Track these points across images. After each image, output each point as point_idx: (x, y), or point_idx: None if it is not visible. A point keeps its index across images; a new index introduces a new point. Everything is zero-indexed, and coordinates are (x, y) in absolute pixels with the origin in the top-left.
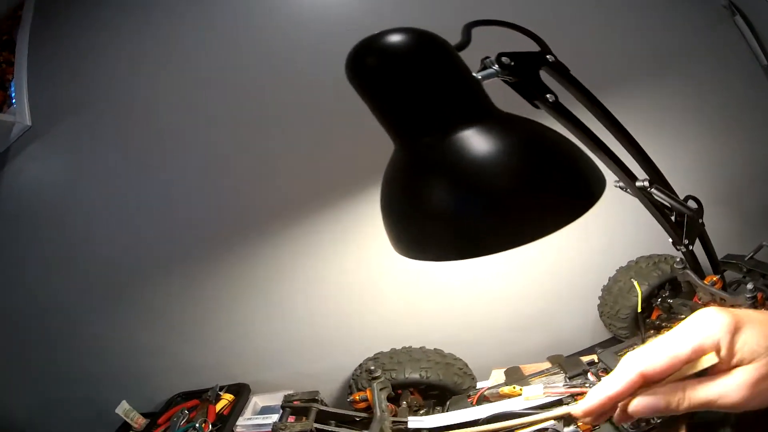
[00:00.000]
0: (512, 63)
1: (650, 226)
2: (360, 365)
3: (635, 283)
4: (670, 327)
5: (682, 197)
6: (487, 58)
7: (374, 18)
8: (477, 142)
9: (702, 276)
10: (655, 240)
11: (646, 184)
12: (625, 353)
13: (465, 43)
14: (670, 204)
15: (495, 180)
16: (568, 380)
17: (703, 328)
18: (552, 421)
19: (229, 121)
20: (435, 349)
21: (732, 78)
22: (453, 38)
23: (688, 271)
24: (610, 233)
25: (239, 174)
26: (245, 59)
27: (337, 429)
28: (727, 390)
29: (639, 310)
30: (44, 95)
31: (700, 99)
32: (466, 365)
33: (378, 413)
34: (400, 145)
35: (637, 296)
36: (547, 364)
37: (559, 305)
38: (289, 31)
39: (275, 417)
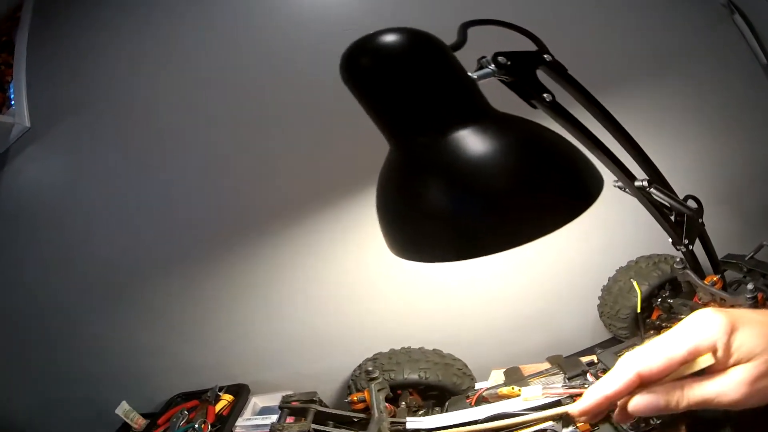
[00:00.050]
0: (509, 62)
1: (650, 225)
2: (359, 366)
3: (635, 283)
4: (670, 327)
5: (681, 197)
6: (484, 57)
7: (374, 18)
8: (473, 142)
9: (702, 276)
10: (655, 240)
11: (645, 183)
12: (624, 354)
13: (461, 42)
14: (669, 204)
15: (491, 180)
16: (567, 381)
17: (699, 329)
18: (551, 422)
19: (229, 121)
20: (434, 349)
21: (732, 77)
22: (453, 38)
23: (688, 271)
24: (610, 233)
25: (239, 174)
26: (245, 59)
27: (334, 430)
28: (725, 388)
29: (638, 310)
30: (43, 96)
31: (699, 98)
32: (466, 366)
33: (376, 414)
34: (396, 146)
35: (637, 296)
36: (547, 365)
37: (559, 305)
38: (289, 30)
39: (274, 417)
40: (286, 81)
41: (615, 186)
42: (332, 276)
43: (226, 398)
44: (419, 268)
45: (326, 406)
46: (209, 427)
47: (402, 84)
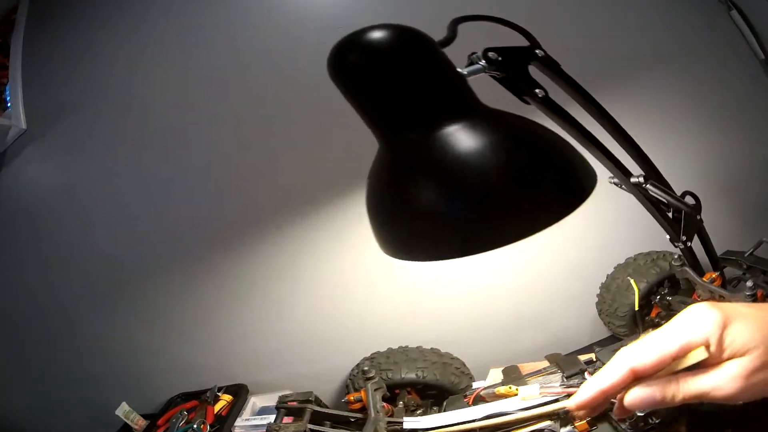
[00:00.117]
0: (499, 58)
1: (648, 222)
2: (356, 365)
3: (632, 281)
4: None
5: (679, 193)
6: (474, 53)
7: (373, 17)
8: (462, 137)
9: (701, 273)
10: (654, 236)
11: (641, 180)
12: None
13: (450, 38)
14: (666, 200)
15: (480, 176)
16: (565, 380)
17: (692, 324)
18: (548, 421)
19: (229, 119)
20: (432, 348)
21: (729, 72)
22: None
23: (687, 269)
24: (608, 230)
25: (238, 173)
26: (244, 57)
27: (331, 430)
28: (719, 382)
29: (636, 308)
30: (40, 98)
31: (696, 94)
32: (464, 364)
33: (372, 414)
34: (385, 143)
35: (635, 294)
36: (545, 363)
37: (557, 303)
38: (289, 28)
39: (273, 417)
40: (285, 80)
41: (611, 182)
42: (331, 276)
43: (225, 398)
44: (417, 267)
45: (325, 406)
46: (208, 427)
47: (390, 80)
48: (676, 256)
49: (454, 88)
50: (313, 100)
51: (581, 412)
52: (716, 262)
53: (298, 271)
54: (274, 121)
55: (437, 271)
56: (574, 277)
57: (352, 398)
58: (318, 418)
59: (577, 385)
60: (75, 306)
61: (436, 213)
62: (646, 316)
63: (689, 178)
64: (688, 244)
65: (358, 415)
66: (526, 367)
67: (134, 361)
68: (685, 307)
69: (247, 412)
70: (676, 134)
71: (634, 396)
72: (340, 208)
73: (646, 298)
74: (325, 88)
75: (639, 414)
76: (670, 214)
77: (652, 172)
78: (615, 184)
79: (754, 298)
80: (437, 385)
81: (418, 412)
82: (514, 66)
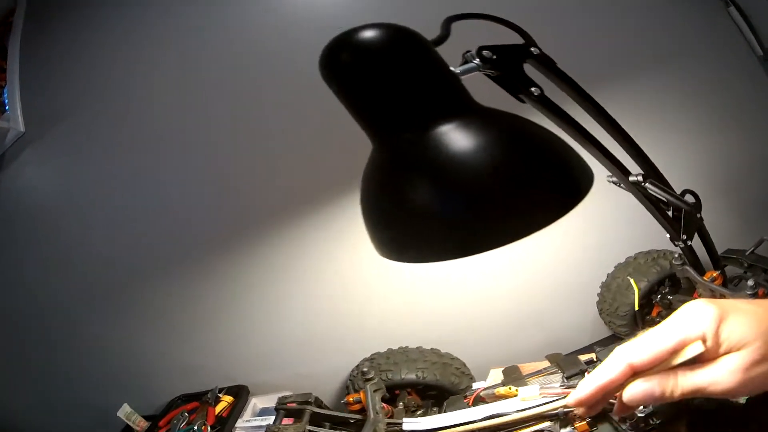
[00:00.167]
0: (494, 56)
1: (648, 221)
2: (356, 366)
3: (632, 281)
4: None
5: (679, 191)
6: (468, 52)
7: (373, 17)
8: (457, 137)
9: (702, 272)
10: (654, 235)
11: (640, 178)
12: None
13: (444, 37)
14: (666, 199)
15: (475, 175)
16: (565, 380)
17: (688, 320)
18: (548, 422)
19: (227, 121)
20: (432, 348)
21: (729, 70)
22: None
23: (687, 267)
24: (608, 229)
25: (238, 174)
26: (242, 58)
27: (330, 431)
28: (717, 376)
29: (636, 308)
30: (38, 100)
31: (696, 91)
32: (464, 365)
33: (371, 415)
34: (378, 143)
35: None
36: (546, 363)
37: (558, 302)
38: (287, 29)
39: (273, 419)
40: (283, 81)
41: (609, 181)
42: (331, 276)
43: (226, 399)
44: (417, 267)
45: (326, 407)
46: (209, 429)
47: (382, 80)
48: (676, 255)
49: (447, 87)
50: (311, 100)
51: (581, 410)
52: (717, 261)
53: (298, 272)
54: (273, 122)
55: (437, 272)
56: (575, 277)
57: (351, 399)
58: (317, 420)
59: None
60: (74, 307)
61: (430, 213)
62: (647, 316)
63: (689, 177)
64: (689, 242)
65: (358, 417)
66: (526, 368)
67: (135, 362)
68: None
69: (247, 413)
70: (676, 133)
71: (633, 391)
72: (340, 208)
73: (647, 297)
74: (323, 88)
75: (639, 415)
76: (669, 213)
77: (651, 171)
78: (614, 183)
79: (755, 297)
80: (437, 385)
81: (419, 412)
82: (509, 64)
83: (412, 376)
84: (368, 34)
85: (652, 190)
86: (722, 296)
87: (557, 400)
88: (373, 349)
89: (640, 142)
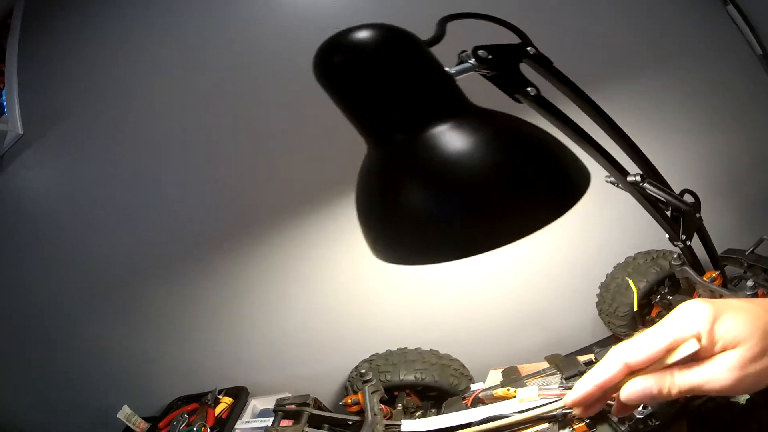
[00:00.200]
0: (490, 56)
1: (648, 221)
2: (355, 367)
3: (630, 282)
4: None
5: (678, 191)
6: (464, 52)
7: (373, 17)
8: (452, 138)
9: (701, 272)
10: (653, 235)
11: (638, 178)
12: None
13: (438, 37)
14: (664, 199)
15: (471, 176)
16: (564, 381)
17: (683, 320)
18: (547, 424)
19: (227, 121)
20: (431, 349)
21: (728, 69)
22: (449, 37)
23: (687, 268)
24: (607, 229)
25: (238, 175)
26: (243, 58)
27: None
28: (713, 374)
29: (635, 308)
30: (36, 102)
31: (696, 91)
32: (463, 366)
33: (369, 417)
34: (372, 145)
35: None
36: (545, 364)
37: (557, 303)
38: (287, 29)
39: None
40: (283, 81)
41: (607, 181)
42: (330, 277)
43: (226, 401)
44: (416, 268)
45: (326, 408)
46: (208, 430)
47: (375, 81)
48: (675, 255)
49: (441, 88)
50: (311, 100)
51: (578, 411)
52: (717, 261)
53: (298, 272)
54: (273, 122)
55: (437, 272)
56: (574, 277)
57: (349, 401)
58: (316, 421)
59: None
60: (74, 307)
61: (425, 216)
62: (646, 316)
63: (689, 176)
64: (688, 242)
65: (356, 418)
66: (525, 368)
67: (135, 363)
68: None
69: (247, 415)
70: (675, 132)
71: (630, 389)
72: (340, 209)
73: (647, 298)
74: (320, 89)
75: (638, 416)
76: (668, 213)
77: (649, 170)
78: (612, 183)
79: (755, 297)
80: (436, 386)
81: (418, 413)
82: (505, 64)
83: (410, 378)
84: (361, 35)
85: (650, 190)
86: (722, 296)
87: (555, 401)
88: (372, 349)
89: (640, 141)
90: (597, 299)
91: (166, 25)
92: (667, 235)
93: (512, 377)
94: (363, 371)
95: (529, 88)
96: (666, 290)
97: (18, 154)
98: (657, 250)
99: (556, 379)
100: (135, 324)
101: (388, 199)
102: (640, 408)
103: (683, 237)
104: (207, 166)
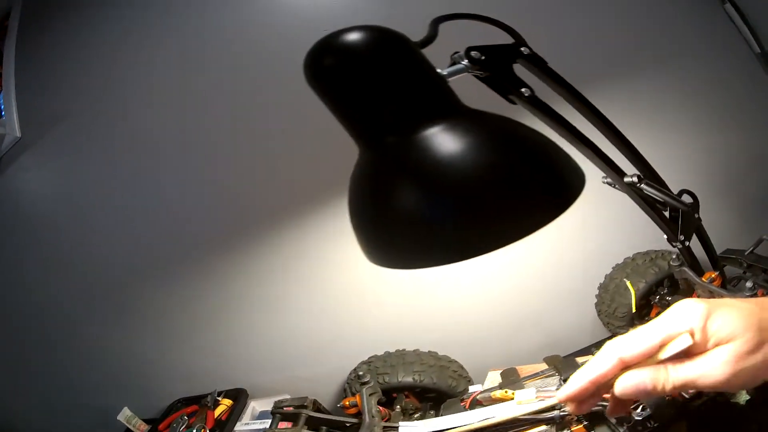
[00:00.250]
0: (483, 57)
1: (646, 221)
2: (353, 369)
3: (628, 283)
4: None
5: (676, 191)
6: (456, 53)
7: (372, 17)
8: (443, 139)
9: (700, 272)
10: (652, 236)
11: (635, 179)
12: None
13: (431, 38)
14: (662, 199)
15: (464, 179)
16: (562, 383)
17: (676, 318)
18: (544, 426)
19: (226, 121)
20: (430, 351)
21: (727, 68)
22: (447, 37)
23: (685, 268)
24: (606, 230)
25: (237, 176)
26: (241, 59)
27: None
28: (708, 368)
29: (633, 309)
30: (34, 104)
31: (694, 90)
32: (462, 367)
33: (367, 419)
34: (364, 147)
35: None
36: (544, 366)
37: (556, 304)
38: (286, 29)
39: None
40: (283, 81)
41: (604, 183)
42: (330, 278)
43: (225, 403)
44: (413, 270)
45: (325, 411)
46: None
47: (366, 83)
48: (674, 256)
49: (433, 89)
50: (311, 100)
51: (572, 407)
52: (716, 261)
53: (297, 273)
54: (273, 122)
55: (436, 274)
56: (573, 278)
57: (347, 403)
58: (314, 423)
59: None
60: (74, 307)
61: (417, 219)
62: (646, 317)
63: (688, 176)
64: (687, 243)
65: (354, 420)
66: (524, 370)
67: (135, 363)
68: None
69: (246, 417)
70: (674, 132)
71: (624, 383)
72: (340, 209)
73: (646, 298)
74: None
75: (637, 418)
76: (667, 214)
77: (647, 171)
78: (608, 184)
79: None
80: (434, 388)
81: (416, 415)
82: (498, 65)
83: (408, 379)
84: (351, 37)
85: (648, 191)
86: (720, 297)
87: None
88: (371, 351)
89: (639, 141)
90: (596, 300)
91: (164, 26)
92: (665, 236)
93: (511, 379)
94: (361, 373)
95: (523, 89)
96: (665, 291)
97: (16, 156)
98: (656, 251)
99: (555, 380)
100: (134, 325)
101: (380, 202)
102: (639, 410)
103: (682, 238)
104: (206, 166)
